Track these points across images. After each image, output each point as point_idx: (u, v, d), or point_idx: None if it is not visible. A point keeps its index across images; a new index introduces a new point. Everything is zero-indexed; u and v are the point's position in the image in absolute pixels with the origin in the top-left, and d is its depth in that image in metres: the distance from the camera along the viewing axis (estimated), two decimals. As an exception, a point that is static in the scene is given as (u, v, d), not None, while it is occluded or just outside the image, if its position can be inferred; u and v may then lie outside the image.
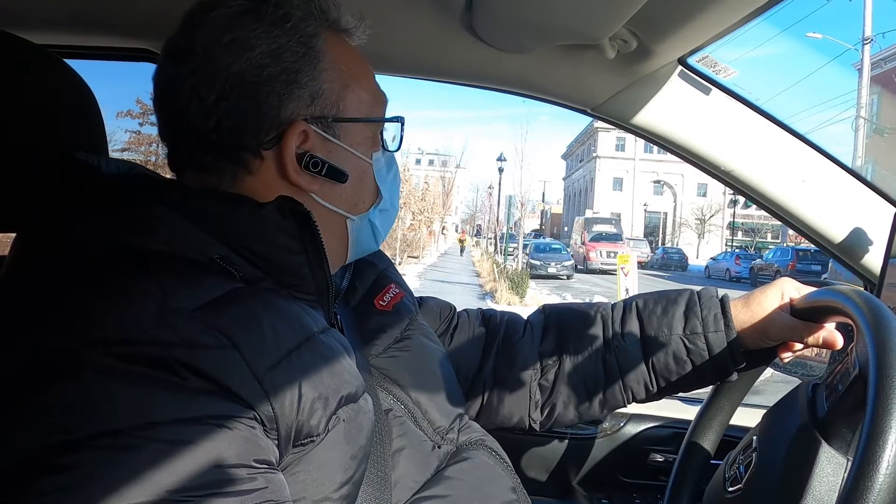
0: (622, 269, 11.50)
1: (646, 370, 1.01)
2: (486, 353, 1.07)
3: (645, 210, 57.70)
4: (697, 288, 1.04)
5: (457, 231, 65.01)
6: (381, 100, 0.82)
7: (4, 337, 0.55)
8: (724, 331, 0.96)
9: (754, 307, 0.96)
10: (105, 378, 0.52)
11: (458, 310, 1.14)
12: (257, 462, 0.56)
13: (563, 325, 1.08)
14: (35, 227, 0.66)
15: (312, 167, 0.74)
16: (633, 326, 1.02)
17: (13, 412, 0.51)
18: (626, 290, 11.36)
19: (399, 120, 0.84)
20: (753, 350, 0.98)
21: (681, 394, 1.12)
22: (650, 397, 1.04)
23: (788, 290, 0.96)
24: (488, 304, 14.40)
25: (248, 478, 0.54)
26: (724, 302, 0.99)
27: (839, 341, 0.92)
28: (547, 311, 1.12)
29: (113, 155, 0.91)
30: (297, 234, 0.70)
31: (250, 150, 0.72)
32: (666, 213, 58.37)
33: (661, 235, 57.92)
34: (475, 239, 48.43)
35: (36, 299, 0.58)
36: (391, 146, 0.84)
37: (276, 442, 0.59)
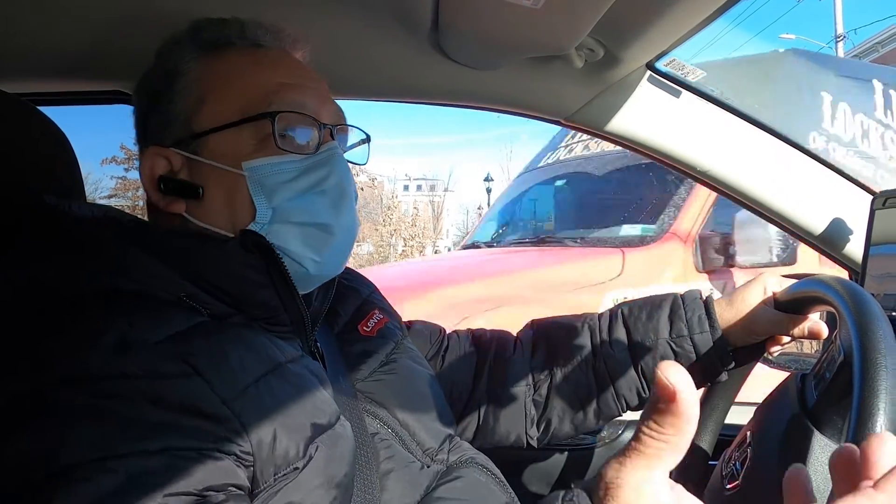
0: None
1: (636, 376, 1.00)
2: (479, 373, 1.07)
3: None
4: (682, 291, 1.04)
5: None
6: (256, 104, 0.74)
7: None
8: (709, 331, 0.96)
9: (738, 304, 0.97)
10: (67, 417, 0.52)
11: (447, 332, 1.13)
12: (224, 486, 0.55)
13: (551, 338, 1.07)
14: (1, 274, 0.66)
15: (166, 188, 0.75)
16: (621, 334, 1.02)
17: None
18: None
19: (265, 117, 0.73)
20: (742, 347, 0.98)
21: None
22: (644, 403, 1.03)
23: (770, 284, 0.96)
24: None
25: (217, 503, 0.54)
26: (707, 303, 0.99)
27: (824, 331, 0.92)
28: (535, 326, 1.12)
29: (100, 202, 0.92)
30: (263, 268, 0.70)
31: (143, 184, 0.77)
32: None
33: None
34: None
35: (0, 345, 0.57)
36: (300, 148, 0.75)
37: (251, 468, 0.58)
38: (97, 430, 0.52)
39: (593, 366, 1.02)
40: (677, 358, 0.97)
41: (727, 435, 1.06)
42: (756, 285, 0.97)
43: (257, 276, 0.70)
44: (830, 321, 1.03)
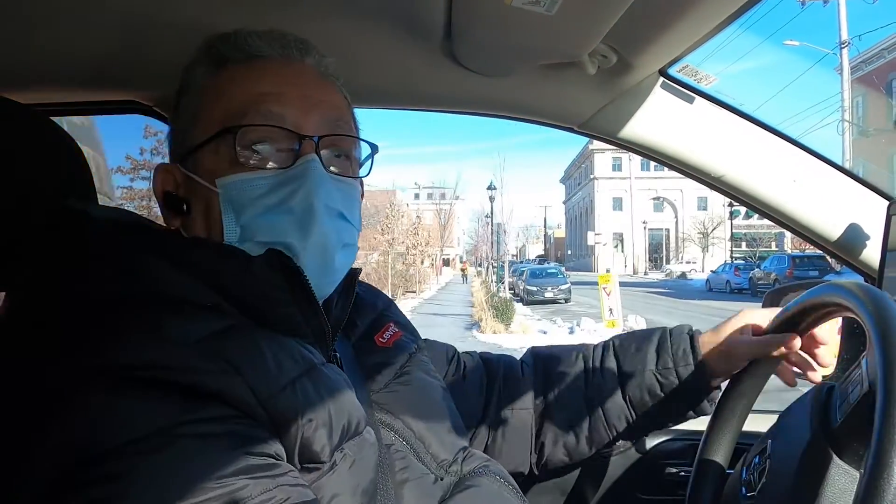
0: (604, 288, 11.69)
1: (624, 405, 1.05)
2: (490, 392, 1.09)
3: (646, 228, 57.67)
4: (672, 325, 1.10)
5: (460, 262, 65.44)
6: (233, 118, 0.72)
7: (14, 372, 0.58)
8: (692, 363, 1.01)
9: (720, 335, 1.02)
10: (117, 396, 0.54)
11: (459, 352, 1.15)
12: (277, 455, 0.59)
13: (548, 366, 1.12)
14: (29, 282, 0.66)
15: (167, 203, 0.77)
16: (611, 364, 1.08)
17: (34, 434, 0.54)
18: (610, 310, 11.53)
19: (231, 131, 0.71)
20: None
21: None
22: (634, 432, 1.08)
23: (748, 317, 1.01)
24: (474, 334, 14.64)
25: (274, 464, 0.57)
26: (692, 336, 1.04)
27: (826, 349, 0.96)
28: (535, 353, 1.16)
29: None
30: (287, 287, 0.70)
31: None
32: (668, 230, 58.40)
33: (664, 252, 57.81)
34: (478, 269, 48.23)
35: (42, 340, 0.59)
36: (276, 161, 0.73)
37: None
38: (153, 406, 0.55)
39: (585, 394, 1.07)
40: (663, 389, 1.03)
41: (744, 444, 1.04)
42: (736, 317, 1.03)
43: (280, 294, 0.69)
44: (849, 331, 1.02)
